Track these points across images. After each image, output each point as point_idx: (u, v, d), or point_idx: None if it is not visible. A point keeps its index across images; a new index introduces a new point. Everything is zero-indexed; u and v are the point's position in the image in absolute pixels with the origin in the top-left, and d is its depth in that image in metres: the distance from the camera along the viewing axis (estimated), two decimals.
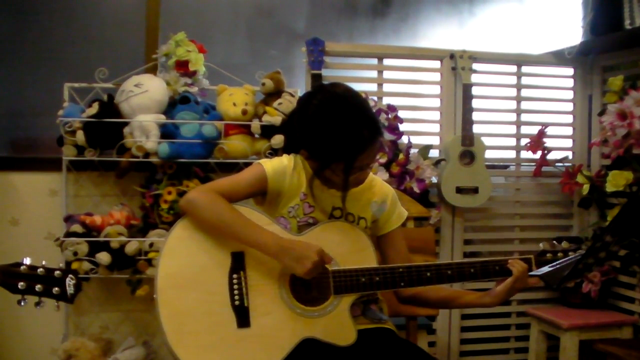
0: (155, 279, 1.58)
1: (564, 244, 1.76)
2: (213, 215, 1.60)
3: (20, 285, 1.43)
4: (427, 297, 1.82)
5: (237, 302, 1.59)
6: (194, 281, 1.59)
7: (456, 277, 1.70)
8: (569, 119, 3.32)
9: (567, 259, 1.71)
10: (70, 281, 1.48)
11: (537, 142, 3.15)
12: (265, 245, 1.58)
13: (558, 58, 3.23)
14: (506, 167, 3.38)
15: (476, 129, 3.04)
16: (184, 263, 1.60)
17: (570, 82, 3.31)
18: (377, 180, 1.83)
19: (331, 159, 1.63)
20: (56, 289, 1.46)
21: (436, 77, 3.15)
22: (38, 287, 1.45)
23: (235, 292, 1.60)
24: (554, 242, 1.76)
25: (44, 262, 1.49)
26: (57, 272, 1.48)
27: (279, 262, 1.58)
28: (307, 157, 1.71)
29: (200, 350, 1.55)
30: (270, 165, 1.69)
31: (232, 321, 1.58)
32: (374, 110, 2.59)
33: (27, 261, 1.47)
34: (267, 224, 1.65)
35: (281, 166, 1.70)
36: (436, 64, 3.14)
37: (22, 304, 1.45)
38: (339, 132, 1.61)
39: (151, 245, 2.55)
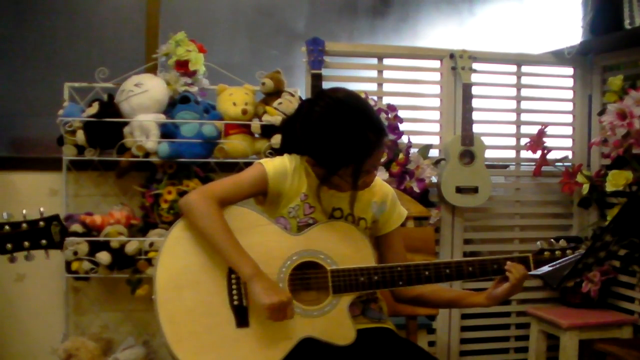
0: (154, 278, 1.59)
1: (562, 243, 1.76)
2: (204, 226, 1.60)
3: (8, 246, 1.43)
4: (426, 300, 1.83)
5: (236, 302, 1.59)
6: (193, 281, 1.59)
7: (454, 276, 1.70)
8: (569, 118, 3.32)
9: (566, 258, 1.71)
10: (55, 228, 1.47)
11: (537, 141, 3.14)
12: (242, 269, 1.57)
13: (558, 58, 3.22)
14: (506, 166, 3.38)
15: (476, 128, 3.03)
16: (183, 263, 1.61)
17: (570, 82, 3.30)
18: (377, 180, 1.82)
19: (339, 165, 1.63)
20: (43, 240, 1.45)
21: (436, 76, 3.15)
22: (25, 243, 1.44)
23: (234, 292, 1.60)
24: (552, 240, 1.76)
25: (24, 212, 1.46)
26: (40, 223, 1.46)
27: (249, 286, 1.56)
28: (314, 165, 1.70)
29: (199, 350, 1.55)
30: (272, 165, 1.70)
31: (231, 321, 1.58)
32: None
33: (6, 216, 1.45)
34: (266, 224, 1.66)
35: (282, 166, 1.70)
36: (436, 63, 3.14)
37: (14, 262, 1.44)
38: (346, 138, 1.61)
39: (151, 244, 2.55)
